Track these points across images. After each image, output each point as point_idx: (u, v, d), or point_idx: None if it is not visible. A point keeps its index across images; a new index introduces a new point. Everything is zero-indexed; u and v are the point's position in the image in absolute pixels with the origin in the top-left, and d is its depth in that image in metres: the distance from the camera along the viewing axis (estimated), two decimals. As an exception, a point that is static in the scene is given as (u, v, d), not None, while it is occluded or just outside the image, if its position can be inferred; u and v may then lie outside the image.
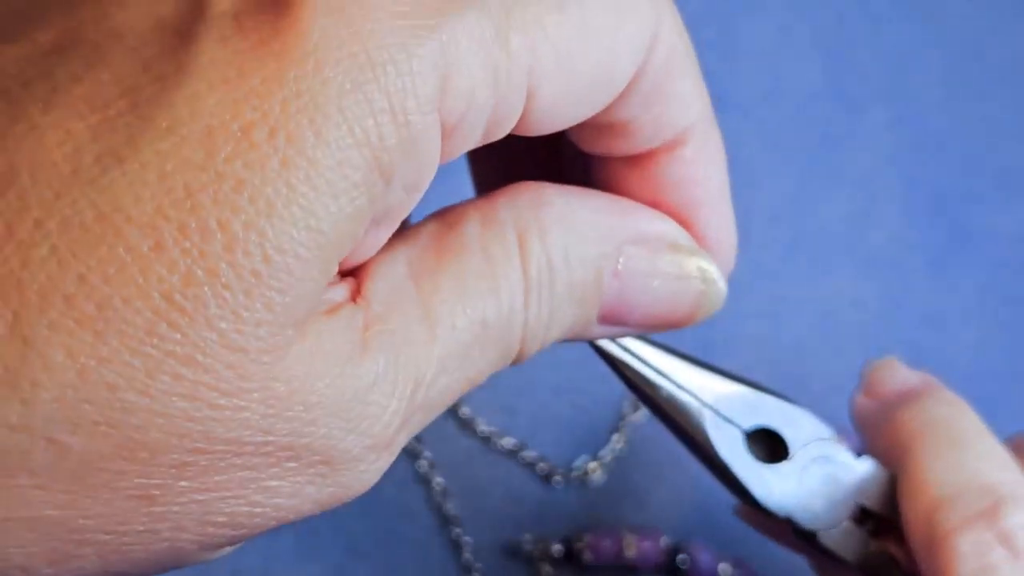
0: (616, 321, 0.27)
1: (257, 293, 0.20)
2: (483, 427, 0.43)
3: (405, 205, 0.22)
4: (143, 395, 0.19)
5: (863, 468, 0.33)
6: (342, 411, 0.21)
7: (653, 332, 0.28)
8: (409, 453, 0.42)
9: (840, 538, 0.33)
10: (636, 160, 0.27)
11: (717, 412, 0.32)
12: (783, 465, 0.33)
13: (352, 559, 0.41)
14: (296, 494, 0.22)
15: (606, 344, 0.32)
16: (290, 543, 0.40)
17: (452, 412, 0.43)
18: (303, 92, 0.19)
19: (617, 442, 0.44)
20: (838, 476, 0.33)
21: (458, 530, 0.42)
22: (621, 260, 0.26)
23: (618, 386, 0.45)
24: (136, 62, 0.20)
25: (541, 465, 0.43)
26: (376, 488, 0.41)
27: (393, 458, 0.23)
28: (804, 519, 0.33)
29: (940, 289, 0.50)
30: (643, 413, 0.45)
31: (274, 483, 0.21)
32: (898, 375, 0.36)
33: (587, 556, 0.42)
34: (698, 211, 0.28)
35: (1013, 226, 0.51)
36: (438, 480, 0.42)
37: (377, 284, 0.23)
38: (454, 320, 0.23)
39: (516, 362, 0.26)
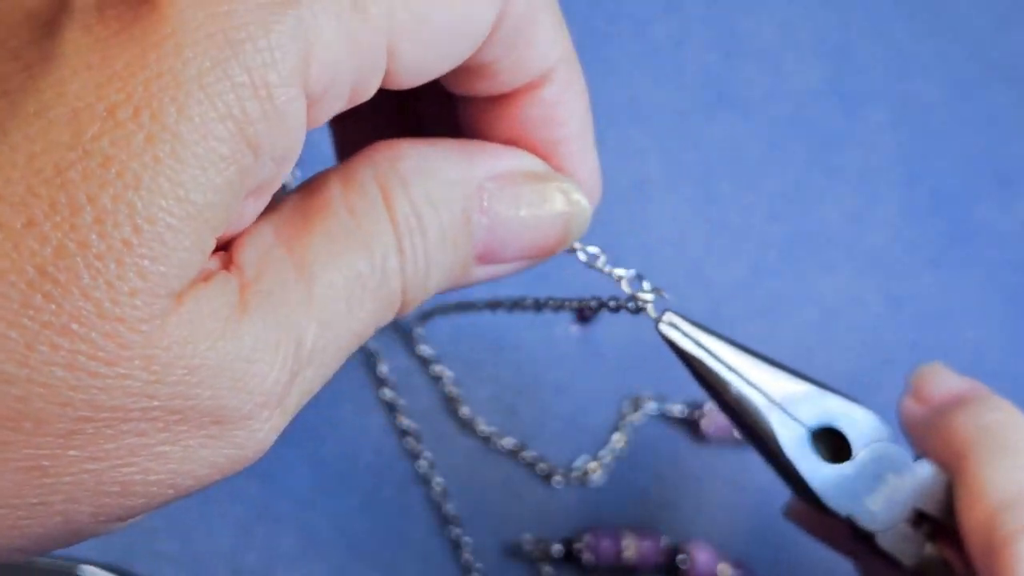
0: (493, 259, 0.28)
1: (129, 263, 0.20)
2: (483, 427, 0.43)
3: (276, 177, 0.23)
4: (22, 366, 0.20)
5: (921, 471, 0.34)
6: (226, 372, 0.22)
7: (531, 263, 0.29)
8: (409, 453, 0.42)
9: (897, 540, 0.33)
10: (500, 100, 0.28)
11: (784, 410, 0.33)
12: (846, 465, 0.33)
13: (353, 559, 0.41)
14: (190, 458, 0.22)
15: (678, 339, 0.33)
16: (291, 543, 0.41)
17: (452, 412, 0.43)
18: (164, 72, 0.20)
19: (617, 442, 0.44)
20: (897, 478, 0.33)
21: (458, 530, 0.42)
22: (484, 197, 0.26)
23: (618, 386, 0.45)
24: (4, 53, 0.21)
25: (541, 465, 0.44)
26: (377, 488, 0.41)
27: (287, 418, 0.24)
28: (864, 520, 0.33)
29: (940, 287, 0.50)
30: (643, 413, 0.45)
31: (166, 448, 0.22)
32: (946, 380, 0.37)
33: (587, 556, 0.42)
34: (561, 148, 0.29)
35: (1013, 224, 0.51)
36: (438, 480, 0.42)
37: (247, 252, 0.24)
38: (329, 277, 0.24)
39: (401, 313, 0.26)
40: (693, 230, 0.47)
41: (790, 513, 0.38)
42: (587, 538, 0.42)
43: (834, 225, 0.49)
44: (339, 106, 0.23)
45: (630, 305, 0.34)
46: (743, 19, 0.49)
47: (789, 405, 0.33)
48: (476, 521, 0.43)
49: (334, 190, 0.25)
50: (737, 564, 0.44)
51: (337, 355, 0.25)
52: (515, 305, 0.36)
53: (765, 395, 0.33)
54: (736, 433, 0.33)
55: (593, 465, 0.44)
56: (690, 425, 0.45)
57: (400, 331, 0.44)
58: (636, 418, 0.45)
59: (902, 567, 0.34)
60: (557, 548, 0.42)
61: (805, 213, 0.49)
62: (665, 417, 0.45)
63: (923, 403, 0.36)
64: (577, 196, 0.29)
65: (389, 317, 0.26)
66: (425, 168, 0.26)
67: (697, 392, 0.46)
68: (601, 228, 0.45)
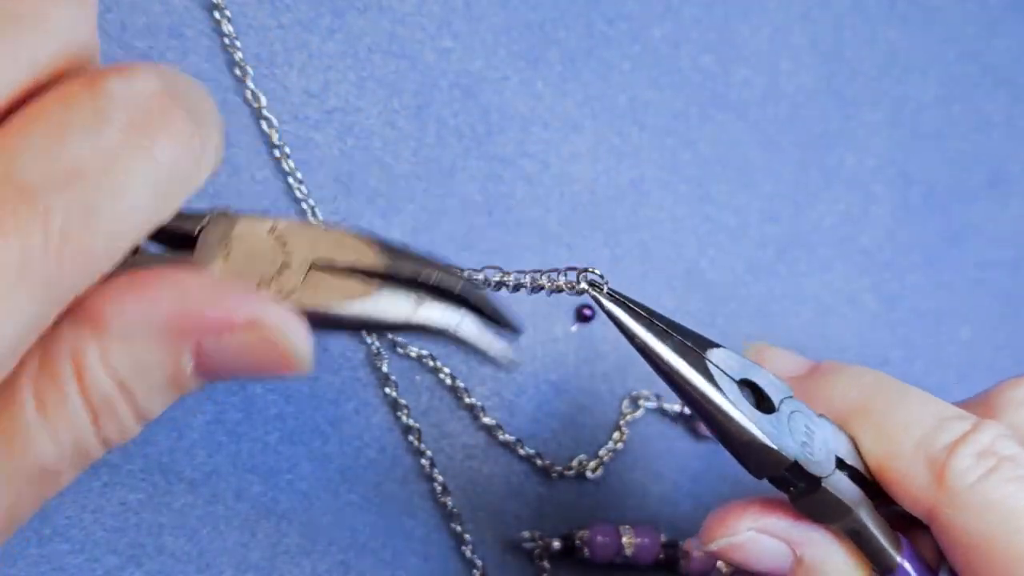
0: (214, 378, 0.28)
1: None
2: (485, 420, 0.43)
3: None
4: None
5: (826, 424, 0.35)
6: None
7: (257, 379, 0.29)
8: (411, 450, 0.43)
9: (839, 484, 0.34)
10: None
11: (715, 365, 0.33)
12: (774, 416, 0.34)
13: (355, 554, 0.42)
14: None
15: (613, 308, 0.33)
16: (294, 539, 0.41)
17: (453, 410, 0.44)
18: None
19: (616, 439, 0.45)
20: (813, 428, 0.34)
21: (459, 526, 0.43)
22: (187, 359, 0.27)
23: (618, 385, 0.45)
24: None
25: (541, 462, 0.44)
26: (378, 484, 0.42)
27: None
28: (809, 465, 0.33)
29: (934, 287, 0.50)
30: (642, 411, 0.45)
31: None
32: (789, 357, 0.39)
33: (586, 552, 0.43)
34: None
35: (1006, 225, 0.51)
36: (439, 477, 0.43)
37: None
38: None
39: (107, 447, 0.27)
40: (689, 230, 0.47)
41: (716, 544, 0.36)
42: (586, 534, 0.43)
43: (829, 225, 0.49)
44: None
45: (571, 285, 0.34)
46: (739, 22, 0.49)
47: (716, 360, 0.33)
48: (477, 517, 0.43)
49: (26, 380, 0.25)
50: (734, 560, 0.44)
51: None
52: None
53: (696, 350, 0.33)
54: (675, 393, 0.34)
55: (593, 463, 0.44)
56: (688, 422, 0.46)
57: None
58: (635, 416, 0.45)
59: (844, 513, 0.34)
60: (556, 544, 0.43)
61: (800, 213, 0.49)
62: (663, 414, 0.46)
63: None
64: (283, 331, 0.27)
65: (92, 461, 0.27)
66: (126, 333, 0.26)
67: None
68: (599, 227, 0.46)
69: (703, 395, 0.33)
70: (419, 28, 0.44)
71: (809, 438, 0.34)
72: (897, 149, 0.51)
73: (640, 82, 0.47)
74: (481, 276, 0.35)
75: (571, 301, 0.45)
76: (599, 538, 0.43)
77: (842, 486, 0.34)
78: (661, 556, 0.44)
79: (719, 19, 0.49)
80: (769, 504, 0.35)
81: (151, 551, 0.39)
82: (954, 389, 0.50)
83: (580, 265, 0.34)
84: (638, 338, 0.33)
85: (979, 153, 0.52)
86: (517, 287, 0.35)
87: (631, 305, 0.33)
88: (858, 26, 0.51)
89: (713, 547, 0.36)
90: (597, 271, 0.34)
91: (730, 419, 0.33)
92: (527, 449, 0.44)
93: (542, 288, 0.34)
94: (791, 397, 0.35)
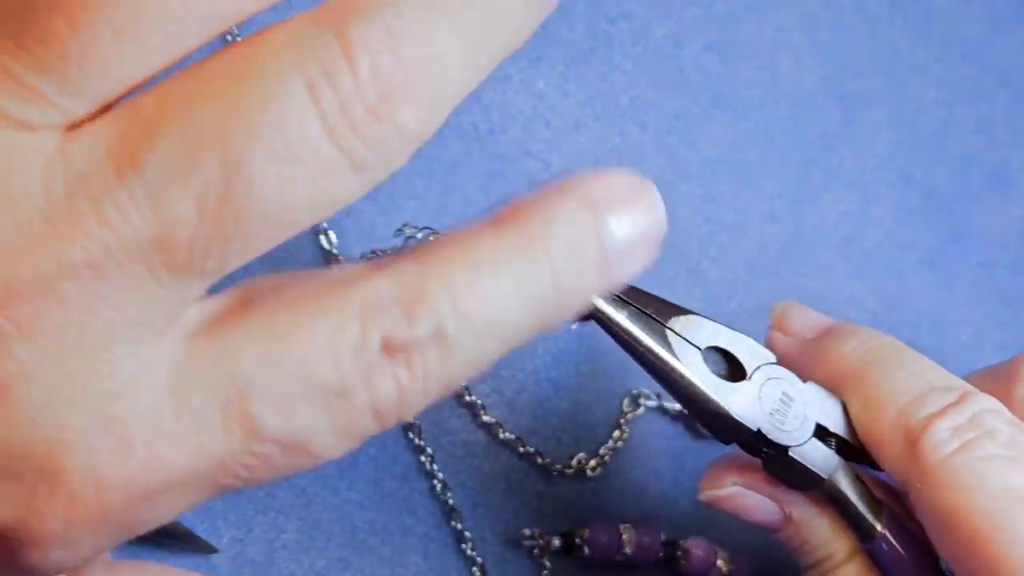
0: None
1: None
2: (485, 418, 0.43)
3: None
4: None
5: (812, 390, 0.35)
6: None
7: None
8: (411, 447, 0.43)
9: (810, 453, 0.34)
10: None
11: (676, 333, 0.33)
12: (742, 384, 0.34)
13: (356, 551, 0.41)
14: None
15: None
16: (293, 536, 0.41)
17: (454, 407, 0.44)
18: None
19: (617, 438, 0.45)
20: (793, 396, 0.34)
21: (459, 523, 0.43)
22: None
23: (619, 384, 0.45)
24: None
25: (541, 460, 0.44)
26: (378, 481, 0.42)
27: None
28: (773, 434, 0.34)
29: (935, 288, 0.50)
30: (643, 410, 0.45)
31: None
32: (809, 315, 0.39)
33: (586, 550, 0.43)
34: None
35: (1007, 225, 0.51)
36: (440, 474, 0.43)
37: None
38: None
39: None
40: (691, 229, 0.47)
41: (705, 496, 0.38)
42: (586, 532, 0.43)
43: (830, 225, 0.49)
44: None
45: None
46: (741, 22, 0.49)
47: (679, 328, 0.33)
48: (477, 514, 0.43)
49: None
50: (734, 559, 0.44)
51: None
52: None
53: (656, 319, 0.33)
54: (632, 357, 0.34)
55: (593, 461, 0.44)
56: (688, 420, 0.46)
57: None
58: (636, 415, 0.45)
59: (816, 481, 0.34)
60: (557, 542, 0.43)
61: (801, 213, 0.49)
62: (664, 412, 0.46)
63: (791, 334, 0.38)
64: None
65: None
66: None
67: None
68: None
69: (663, 364, 0.33)
70: (421, 26, 0.44)
71: (785, 405, 0.34)
72: (898, 149, 0.51)
73: (642, 81, 0.47)
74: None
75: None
76: (599, 536, 0.43)
77: (815, 455, 0.34)
78: (661, 555, 0.44)
79: (721, 19, 0.49)
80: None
81: (149, 546, 0.39)
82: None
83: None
84: (597, 309, 0.33)
85: (980, 154, 0.52)
86: None
87: None
88: (859, 26, 0.51)
89: (702, 498, 0.37)
90: None
91: (689, 386, 0.33)
92: (527, 447, 0.44)
93: None
94: (772, 363, 0.35)
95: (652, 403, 0.45)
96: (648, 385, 0.46)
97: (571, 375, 0.45)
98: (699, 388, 0.33)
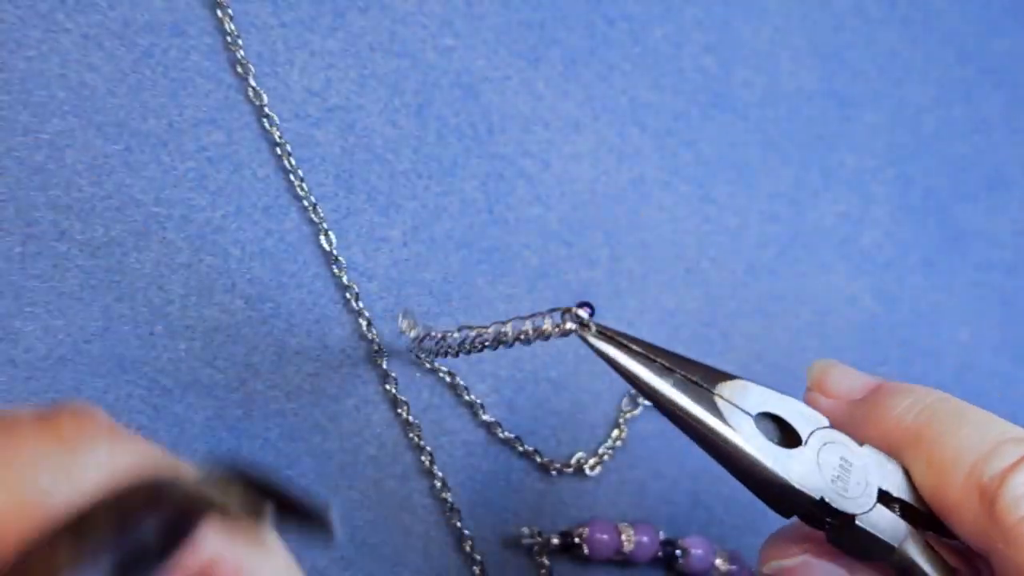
0: None
1: None
2: (484, 417, 0.44)
3: None
4: None
5: (871, 454, 0.33)
6: None
7: None
8: (411, 447, 0.43)
9: (877, 521, 0.32)
10: None
11: (726, 399, 0.32)
12: (799, 451, 0.32)
13: (355, 550, 0.42)
14: None
15: (604, 346, 0.31)
16: (294, 535, 0.41)
17: (453, 407, 0.44)
18: None
19: (616, 438, 0.45)
20: (852, 461, 0.32)
21: (459, 522, 0.43)
22: None
23: (618, 383, 0.45)
24: None
25: (541, 459, 0.44)
26: (378, 480, 0.42)
27: None
28: (839, 501, 0.31)
29: (933, 288, 0.50)
30: (641, 410, 0.45)
31: None
32: (854, 375, 0.36)
33: (585, 549, 0.43)
34: None
35: (1004, 226, 0.52)
36: (439, 473, 0.43)
37: None
38: None
39: None
40: (689, 230, 0.48)
41: (769, 566, 0.35)
42: (585, 531, 0.43)
43: (828, 225, 0.50)
44: None
45: (557, 327, 0.33)
46: (740, 23, 0.49)
47: (727, 395, 0.32)
48: (477, 513, 0.43)
49: None
50: (732, 558, 0.44)
51: None
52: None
53: (703, 386, 0.31)
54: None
55: (592, 460, 0.45)
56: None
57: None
58: (634, 414, 0.45)
59: (885, 551, 0.32)
60: (556, 540, 0.43)
61: (800, 214, 0.49)
62: (663, 412, 0.46)
63: (834, 397, 0.36)
64: None
65: None
66: None
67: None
68: (599, 227, 0.46)
69: (715, 434, 0.31)
70: (420, 27, 0.44)
71: (845, 471, 0.32)
72: (897, 150, 0.51)
73: (641, 82, 0.48)
74: (458, 335, 0.34)
75: (570, 299, 0.45)
76: (598, 535, 0.43)
77: (882, 523, 0.32)
78: (660, 554, 0.44)
79: (720, 20, 0.49)
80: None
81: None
82: (953, 390, 0.50)
83: (563, 304, 0.33)
84: (638, 378, 0.31)
85: (978, 155, 0.52)
86: (498, 342, 0.33)
87: (624, 341, 0.32)
88: (858, 28, 0.51)
89: (766, 570, 0.35)
90: (582, 311, 0.32)
91: (745, 457, 0.31)
92: (526, 446, 0.44)
93: (527, 338, 0.33)
94: (826, 427, 0.33)
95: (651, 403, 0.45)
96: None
97: (570, 374, 0.45)
98: (756, 458, 0.31)
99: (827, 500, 0.31)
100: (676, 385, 0.31)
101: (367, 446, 0.42)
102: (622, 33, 0.47)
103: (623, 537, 0.43)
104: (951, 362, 0.50)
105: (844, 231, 0.50)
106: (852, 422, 0.34)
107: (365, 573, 0.42)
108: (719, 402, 0.32)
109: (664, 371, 0.32)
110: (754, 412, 0.32)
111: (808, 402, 0.35)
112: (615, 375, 0.45)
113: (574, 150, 0.46)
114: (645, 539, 0.43)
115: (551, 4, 0.46)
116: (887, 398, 0.34)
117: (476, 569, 0.43)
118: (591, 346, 0.32)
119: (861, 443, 0.33)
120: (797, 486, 0.31)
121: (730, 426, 0.31)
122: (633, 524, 0.43)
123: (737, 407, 0.32)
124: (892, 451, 0.33)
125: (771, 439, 0.32)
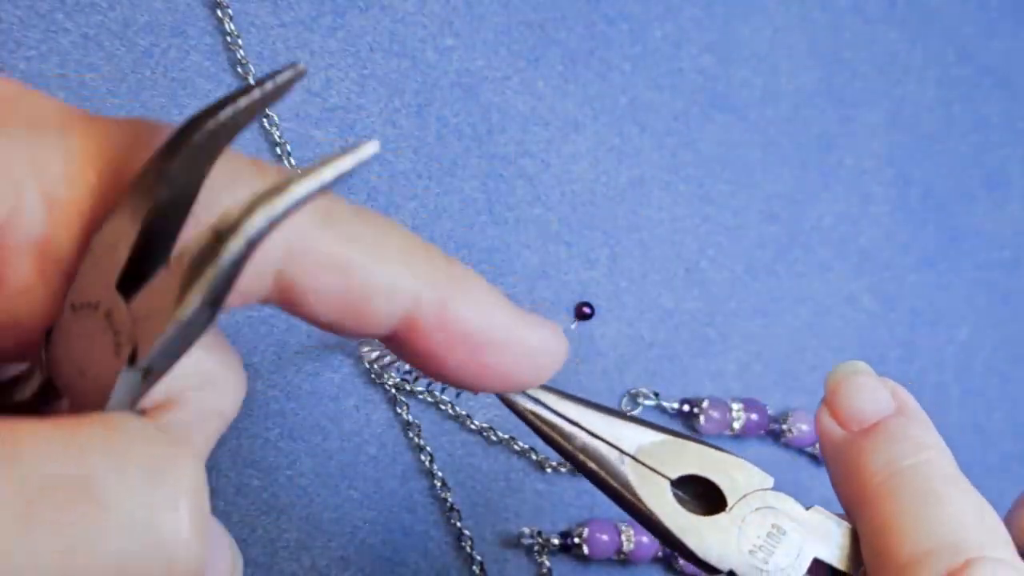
0: None
1: None
2: (478, 421, 0.44)
3: None
4: None
5: (814, 520, 0.31)
6: None
7: None
8: (411, 447, 0.43)
9: None
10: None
11: (640, 462, 0.31)
12: (720, 517, 0.31)
13: (355, 550, 0.42)
14: None
15: (515, 397, 0.30)
16: (294, 534, 0.41)
17: (453, 407, 0.44)
18: None
19: (615, 437, 0.45)
20: (786, 528, 0.31)
21: (459, 522, 0.43)
22: None
23: (617, 383, 0.46)
24: None
25: (540, 459, 0.44)
26: (378, 480, 0.42)
27: None
28: (751, 574, 0.30)
29: (933, 287, 0.50)
30: (641, 409, 0.45)
31: None
32: (867, 393, 0.33)
33: (585, 548, 0.43)
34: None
35: (1003, 226, 0.52)
36: (439, 473, 0.43)
37: None
38: None
39: None
40: (689, 230, 0.48)
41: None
42: (585, 530, 0.43)
43: (828, 225, 0.50)
44: None
45: None
46: (739, 23, 0.49)
47: (645, 457, 0.30)
48: (477, 513, 0.43)
49: None
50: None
51: None
52: None
53: (615, 447, 0.30)
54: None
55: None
56: (686, 419, 0.46)
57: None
58: (634, 413, 0.45)
59: None
60: (556, 540, 0.43)
61: (799, 213, 0.49)
62: (663, 411, 0.46)
63: (841, 420, 0.33)
64: None
65: None
66: None
67: (693, 388, 0.47)
68: (599, 227, 0.46)
69: (623, 499, 0.30)
70: (420, 27, 0.44)
71: (773, 540, 0.31)
72: (896, 150, 0.51)
73: (640, 82, 0.48)
74: None
75: (570, 299, 0.45)
76: (598, 535, 0.43)
77: None
78: (659, 553, 0.44)
79: (719, 20, 0.49)
80: None
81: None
82: (952, 389, 0.50)
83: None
84: (553, 440, 0.31)
85: (977, 154, 0.52)
86: None
87: (543, 401, 0.30)
88: (857, 27, 0.51)
89: None
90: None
91: (657, 525, 0.30)
92: (525, 446, 0.44)
93: None
94: (767, 490, 0.31)
95: (651, 402, 0.45)
96: (646, 384, 0.46)
97: (570, 374, 0.45)
98: (663, 525, 0.30)
99: (736, 573, 0.31)
100: (583, 444, 0.31)
101: (367, 446, 0.42)
102: (622, 33, 0.47)
103: (623, 537, 0.43)
104: (950, 362, 0.50)
105: (843, 230, 0.50)
106: (842, 459, 0.32)
107: (365, 573, 0.42)
108: (630, 465, 0.31)
109: (573, 426, 0.31)
110: (676, 475, 0.31)
111: (816, 419, 0.33)
112: (615, 375, 0.46)
113: (574, 150, 0.46)
114: (645, 539, 0.43)
115: (551, 4, 0.46)
116: (878, 442, 0.32)
117: (476, 569, 0.43)
118: (511, 407, 0.31)
119: (808, 507, 0.32)
120: (701, 557, 0.30)
121: (635, 488, 0.30)
122: (633, 523, 0.43)
123: (654, 470, 0.31)
124: (853, 508, 0.32)
125: (691, 504, 0.31)
